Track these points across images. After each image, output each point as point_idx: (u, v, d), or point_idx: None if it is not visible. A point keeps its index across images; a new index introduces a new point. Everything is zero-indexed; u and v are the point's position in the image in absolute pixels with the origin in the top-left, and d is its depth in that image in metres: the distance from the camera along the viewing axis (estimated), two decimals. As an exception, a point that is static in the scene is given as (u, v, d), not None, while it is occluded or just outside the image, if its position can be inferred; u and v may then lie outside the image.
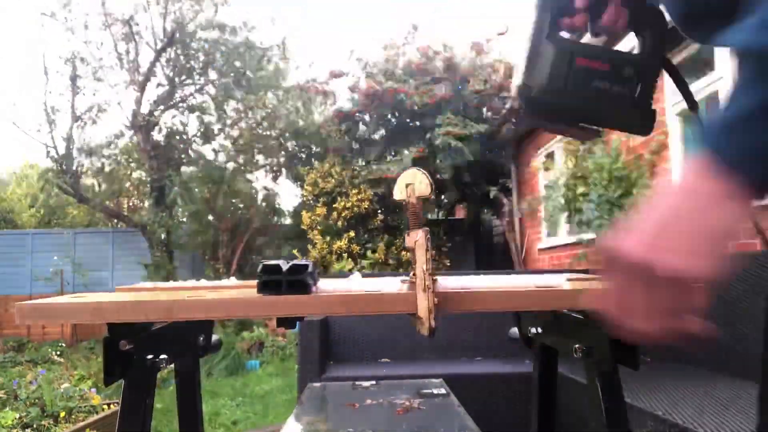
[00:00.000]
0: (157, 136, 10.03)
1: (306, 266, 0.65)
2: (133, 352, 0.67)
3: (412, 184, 0.75)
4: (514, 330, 1.09)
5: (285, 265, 0.65)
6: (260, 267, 0.65)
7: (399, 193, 0.77)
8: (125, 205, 12.90)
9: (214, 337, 0.94)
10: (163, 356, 0.72)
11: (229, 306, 0.61)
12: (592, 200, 3.95)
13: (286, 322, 0.68)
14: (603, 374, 0.69)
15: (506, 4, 38.38)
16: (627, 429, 0.67)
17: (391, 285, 0.73)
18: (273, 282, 0.64)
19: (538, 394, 1.01)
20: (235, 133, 10.01)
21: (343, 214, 7.79)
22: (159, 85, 10.12)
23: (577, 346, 0.74)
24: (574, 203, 3.99)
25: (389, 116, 8.54)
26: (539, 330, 0.96)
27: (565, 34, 0.79)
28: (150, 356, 0.71)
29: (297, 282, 0.64)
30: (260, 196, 9.73)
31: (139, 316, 0.59)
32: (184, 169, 9.85)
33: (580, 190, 3.93)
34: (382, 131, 8.73)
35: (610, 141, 4.63)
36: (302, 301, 0.63)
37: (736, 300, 2.53)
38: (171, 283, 1.01)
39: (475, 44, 8.73)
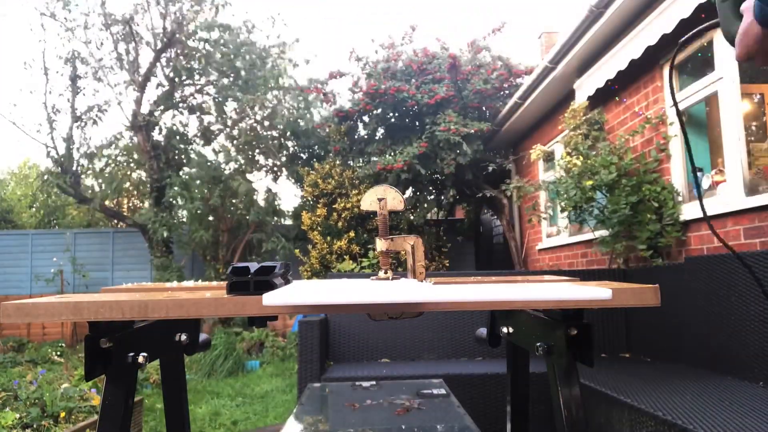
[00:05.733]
0: (157, 136, 10.04)
1: (273, 267, 0.67)
2: (113, 349, 0.69)
3: (384, 198, 0.81)
4: (482, 330, 1.12)
5: (254, 267, 0.67)
6: (230, 269, 0.68)
7: (369, 205, 0.83)
8: (125, 205, 12.91)
9: (203, 336, 0.96)
10: (143, 354, 0.74)
11: (201, 305, 0.64)
12: (603, 195, 3.99)
13: (257, 321, 0.70)
14: (561, 371, 0.72)
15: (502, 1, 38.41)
16: (583, 421, 0.70)
17: (362, 285, 0.76)
18: (241, 283, 0.66)
19: (511, 392, 1.04)
20: (235, 133, 10.02)
21: (343, 215, 7.81)
22: (159, 85, 10.13)
23: (538, 344, 0.77)
24: (584, 196, 4.02)
25: (390, 116, 8.54)
26: (510, 330, 0.99)
27: None
28: (130, 354, 0.73)
29: (264, 282, 0.66)
30: (260, 197, 9.74)
31: (115, 315, 0.62)
32: (184, 169, 9.86)
33: (589, 183, 3.96)
34: (383, 130, 8.73)
35: (614, 139, 4.64)
36: None
37: (737, 301, 2.53)
38: (155, 285, 1.04)
39: (472, 42, 8.74)
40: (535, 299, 0.60)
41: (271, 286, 0.66)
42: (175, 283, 1.02)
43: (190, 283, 1.06)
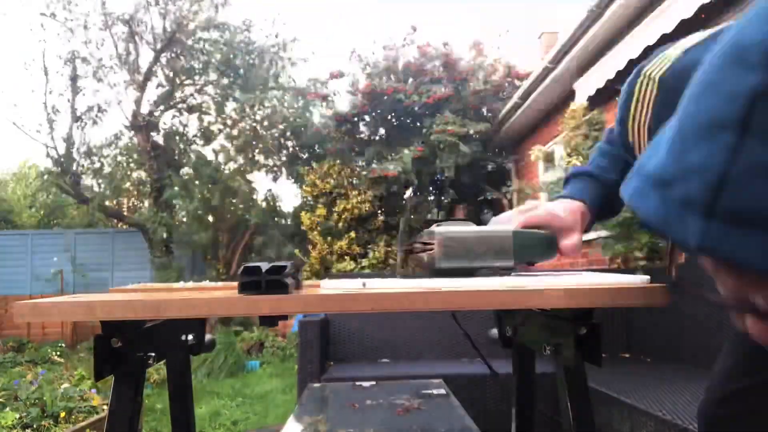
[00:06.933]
0: (157, 136, 10.04)
1: (284, 267, 0.68)
2: (122, 349, 0.70)
3: None
4: (494, 331, 1.12)
5: (265, 266, 0.68)
6: (241, 268, 0.69)
7: None
8: (125, 205, 12.91)
9: (208, 337, 0.97)
10: (151, 353, 0.75)
11: (213, 305, 0.65)
12: None
13: (267, 320, 0.72)
14: (569, 371, 0.72)
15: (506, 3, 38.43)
16: (592, 422, 0.71)
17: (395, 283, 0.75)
18: (252, 282, 0.67)
19: (517, 393, 1.04)
20: (235, 133, 10.03)
21: (343, 216, 7.81)
22: (159, 85, 10.13)
23: (546, 344, 0.77)
24: None
25: (389, 116, 8.54)
26: (515, 329, 0.99)
27: None
28: (139, 353, 0.74)
29: (275, 282, 0.67)
30: (260, 197, 9.75)
31: (128, 314, 0.63)
32: (184, 169, 9.86)
33: None
34: (382, 131, 8.74)
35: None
36: (281, 299, 0.66)
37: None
38: (163, 285, 1.05)
39: (475, 44, 8.74)
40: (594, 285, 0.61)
41: (283, 286, 0.67)
42: (181, 283, 1.03)
43: (204, 283, 1.07)
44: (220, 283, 1.03)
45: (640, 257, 3.77)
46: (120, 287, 0.96)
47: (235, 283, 0.80)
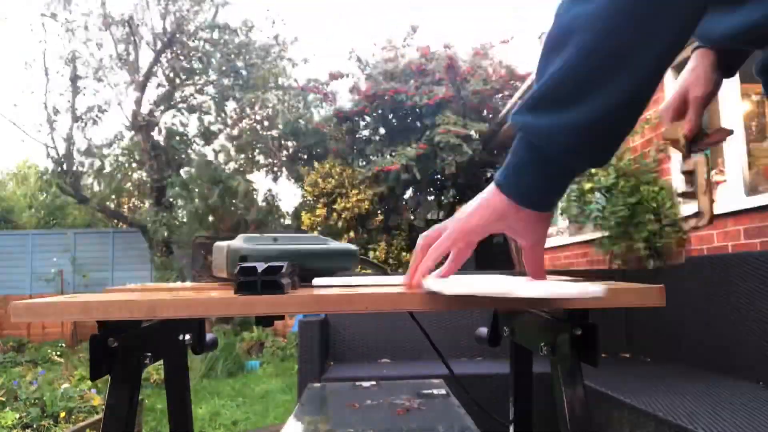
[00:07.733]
0: (157, 136, 10.05)
1: (280, 267, 0.68)
2: (118, 349, 0.70)
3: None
4: (482, 329, 1.12)
5: (261, 267, 0.68)
6: (237, 269, 0.69)
7: (673, 134, 0.94)
8: (125, 206, 12.91)
9: (210, 336, 0.97)
10: (148, 353, 0.75)
11: (209, 305, 0.65)
12: (601, 195, 3.98)
13: (263, 320, 0.72)
14: (565, 371, 0.72)
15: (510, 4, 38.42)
16: (588, 423, 0.70)
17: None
18: (249, 283, 0.67)
19: (514, 392, 1.04)
20: (235, 133, 10.03)
21: (343, 215, 7.80)
22: (159, 85, 10.13)
23: (542, 344, 0.77)
24: (583, 198, 4.01)
25: (390, 116, 8.54)
26: (512, 329, 1.00)
27: None
28: (135, 354, 0.74)
29: (271, 282, 0.67)
30: (260, 197, 9.75)
31: (124, 314, 0.63)
32: (184, 169, 9.87)
33: (588, 186, 3.94)
34: (383, 131, 8.73)
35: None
36: (277, 300, 0.67)
37: (737, 301, 2.53)
38: (159, 284, 1.05)
39: (478, 50, 8.72)
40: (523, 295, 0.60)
41: (279, 286, 0.67)
42: (179, 283, 1.03)
43: (201, 283, 1.07)
44: (216, 283, 1.02)
45: (640, 256, 3.76)
46: (115, 287, 0.96)
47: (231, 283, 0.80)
